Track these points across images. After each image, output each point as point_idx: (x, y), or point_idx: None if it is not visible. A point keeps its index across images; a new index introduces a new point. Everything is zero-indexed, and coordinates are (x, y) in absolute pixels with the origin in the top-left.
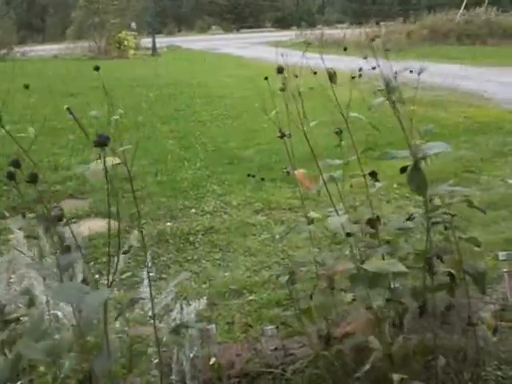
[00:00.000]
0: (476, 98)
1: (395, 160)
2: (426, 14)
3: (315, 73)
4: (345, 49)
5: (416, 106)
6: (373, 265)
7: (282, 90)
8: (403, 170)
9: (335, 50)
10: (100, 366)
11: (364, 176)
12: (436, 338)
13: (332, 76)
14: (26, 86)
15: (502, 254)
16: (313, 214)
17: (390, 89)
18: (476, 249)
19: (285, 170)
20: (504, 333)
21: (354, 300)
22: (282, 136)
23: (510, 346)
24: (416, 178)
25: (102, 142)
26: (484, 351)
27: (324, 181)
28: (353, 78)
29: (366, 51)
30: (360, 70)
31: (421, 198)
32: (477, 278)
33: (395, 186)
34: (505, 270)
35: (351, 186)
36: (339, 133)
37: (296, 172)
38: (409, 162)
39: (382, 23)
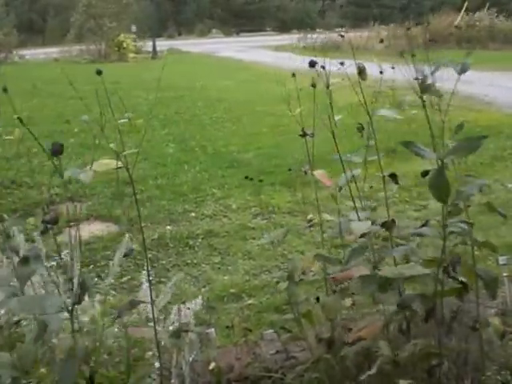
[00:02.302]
0: (477, 102)
1: (395, 163)
2: (427, 18)
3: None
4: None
5: (417, 110)
6: (390, 270)
7: (314, 85)
8: (425, 174)
9: (336, 53)
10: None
11: (383, 178)
12: (441, 343)
13: (362, 71)
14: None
15: (502, 259)
16: (325, 216)
17: (425, 87)
18: (476, 253)
19: (302, 170)
20: (505, 338)
21: (353, 304)
22: (304, 135)
23: (511, 351)
24: (439, 184)
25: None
26: (485, 356)
27: (347, 179)
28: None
29: (366, 55)
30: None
31: (420, 203)
32: (489, 283)
33: (394, 190)
34: (505, 274)
35: (371, 187)
36: (361, 129)
37: (315, 172)
38: (418, 166)
39: (382, 27)
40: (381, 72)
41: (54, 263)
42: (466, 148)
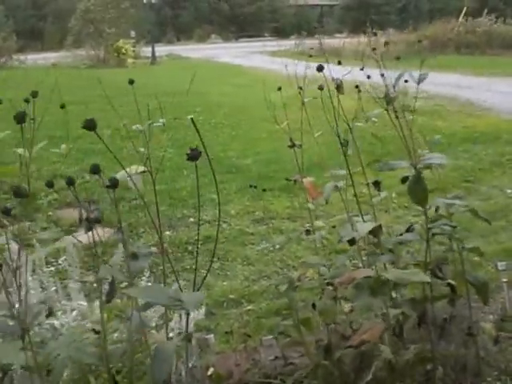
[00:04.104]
0: (475, 108)
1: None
2: (425, 24)
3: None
4: (339, 62)
5: (415, 116)
6: (393, 273)
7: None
8: (404, 180)
9: (334, 59)
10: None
11: (368, 185)
12: (436, 348)
13: (339, 86)
14: None
15: (501, 264)
16: (318, 223)
17: (389, 99)
18: (476, 259)
19: (292, 179)
20: (504, 343)
21: (351, 310)
22: (292, 146)
23: (510, 357)
24: (417, 189)
25: (194, 156)
26: (484, 361)
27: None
28: (357, 87)
29: (365, 61)
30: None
31: (419, 208)
32: (479, 288)
33: (394, 195)
34: (504, 280)
35: (354, 196)
36: (345, 144)
37: (304, 180)
38: (409, 172)
39: (380, 32)
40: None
41: (53, 268)
42: (439, 159)
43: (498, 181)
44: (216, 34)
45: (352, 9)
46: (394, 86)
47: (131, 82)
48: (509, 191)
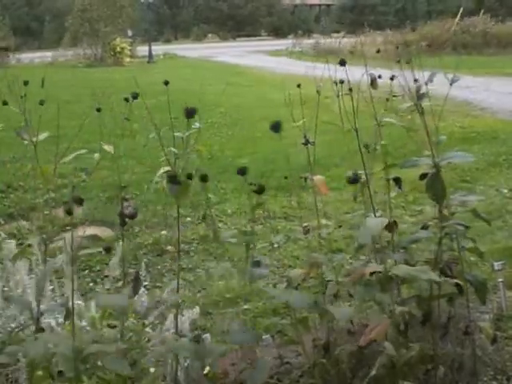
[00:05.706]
0: (473, 108)
1: (390, 169)
2: (422, 24)
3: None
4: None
5: (414, 116)
6: (403, 270)
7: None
8: (423, 176)
9: (332, 59)
10: None
11: (388, 181)
12: (436, 347)
13: (373, 81)
14: None
15: (497, 264)
16: (316, 223)
17: (419, 95)
18: (472, 258)
19: (303, 177)
20: (499, 343)
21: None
22: (306, 143)
23: (506, 356)
24: (435, 186)
25: None
26: (480, 360)
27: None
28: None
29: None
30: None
31: (416, 208)
32: (478, 287)
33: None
34: (500, 279)
35: (362, 195)
36: (366, 147)
37: (315, 177)
38: (415, 172)
39: (378, 32)
40: (379, 76)
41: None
42: (459, 158)
43: (494, 181)
44: (213, 33)
45: (349, 9)
46: (426, 84)
47: (166, 83)
48: (505, 191)
